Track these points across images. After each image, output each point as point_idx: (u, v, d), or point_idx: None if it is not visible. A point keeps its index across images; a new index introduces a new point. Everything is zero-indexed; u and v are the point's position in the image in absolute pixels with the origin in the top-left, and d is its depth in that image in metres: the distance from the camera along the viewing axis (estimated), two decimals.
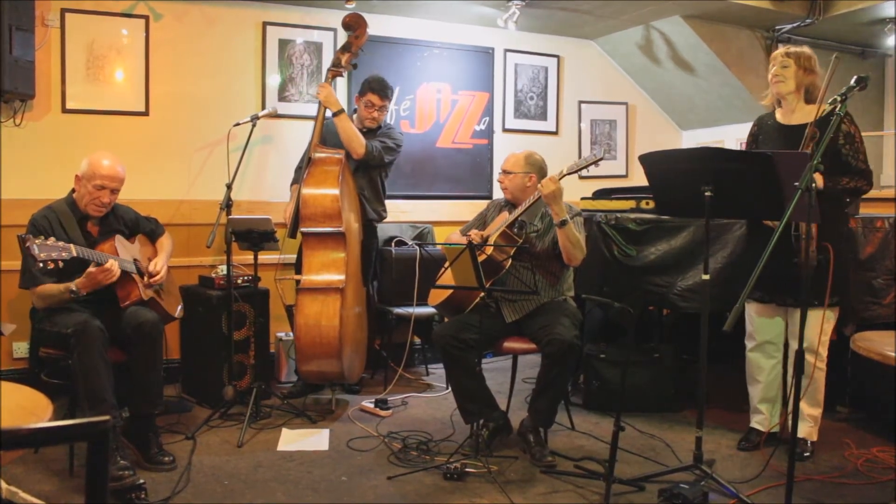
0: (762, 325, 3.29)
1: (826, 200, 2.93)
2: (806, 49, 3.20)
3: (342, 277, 3.68)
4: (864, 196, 3.67)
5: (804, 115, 3.15)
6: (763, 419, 3.35)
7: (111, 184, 3.13)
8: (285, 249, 4.09)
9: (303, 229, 3.74)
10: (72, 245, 2.79)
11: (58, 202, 3.18)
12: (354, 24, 3.97)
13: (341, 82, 4.70)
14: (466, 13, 4.92)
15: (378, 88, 4.06)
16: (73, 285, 2.88)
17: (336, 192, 3.69)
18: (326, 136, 3.97)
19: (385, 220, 4.37)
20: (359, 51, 4.02)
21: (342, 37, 4.63)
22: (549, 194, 3.14)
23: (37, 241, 2.68)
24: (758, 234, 3.18)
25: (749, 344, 3.36)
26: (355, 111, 4.22)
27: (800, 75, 3.14)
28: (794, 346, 3.11)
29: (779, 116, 3.27)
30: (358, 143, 3.94)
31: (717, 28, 5.10)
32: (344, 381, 3.91)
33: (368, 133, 4.08)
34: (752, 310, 3.32)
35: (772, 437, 3.35)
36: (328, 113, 3.93)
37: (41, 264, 2.67)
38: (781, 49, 3.24)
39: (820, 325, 3.06)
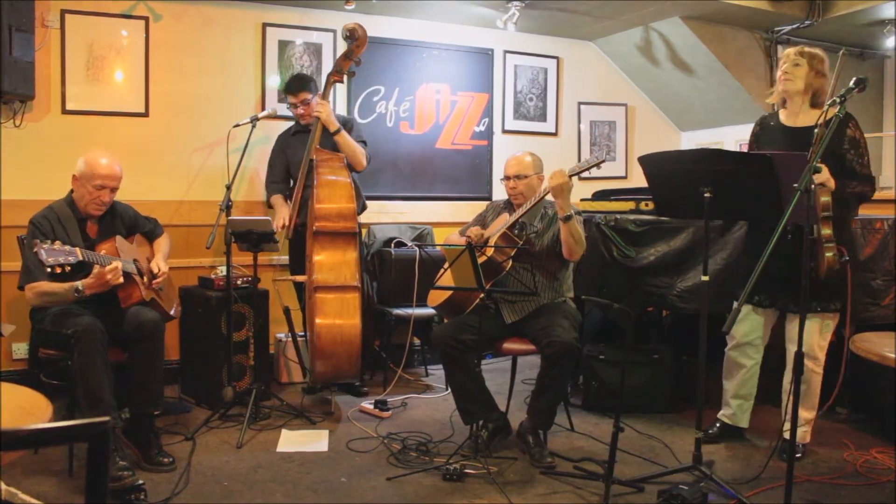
0: (746, 328, 3.25)
1: (837, 204, 2.91)
2: (819, 51, 3.10)
3: (357, 275, 3.70)
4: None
5: (809, 117, 3.07)
6: (731, 414, 3.38)
7: (111, 183, 3.13)
8: (284, 251, 4.09)
9: (316, 228, 3.71)
10: (77, 249, 2.79)
11: (58, 202, 3.18)
12: (355, 35, 3.98)
13: (340, 86, 4.69)
14: (466, 14, 4.92)
15: (292, 88, 4.04)
16: (78, 284, 2.87)
17: (351, 192, 3.74)
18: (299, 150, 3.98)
19: (384, 221, 4.37)
20: (359, 59, 4.02)
21: (342, 38, 4.64)
22: (556, 187, 3.12)
23: (44, 246, 2.68)
24: (757, 236, 3.15)
25: (729, 342, 3.34)
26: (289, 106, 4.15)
27: (810, 76, 3.06)
28: (791, 350, 3.11)
29: (783, 117, 3.20)
30: (362, 156, 3.98)
31: (715, 29, 5.10)
32: (355, 379, 3.95)
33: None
34: (744, 312, 3.25)
35: (735, 431, 3.38)
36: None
37: (49, 269, 2.67)
38: (795, 48, 3.14)
39: (820, 330, 3.06)
